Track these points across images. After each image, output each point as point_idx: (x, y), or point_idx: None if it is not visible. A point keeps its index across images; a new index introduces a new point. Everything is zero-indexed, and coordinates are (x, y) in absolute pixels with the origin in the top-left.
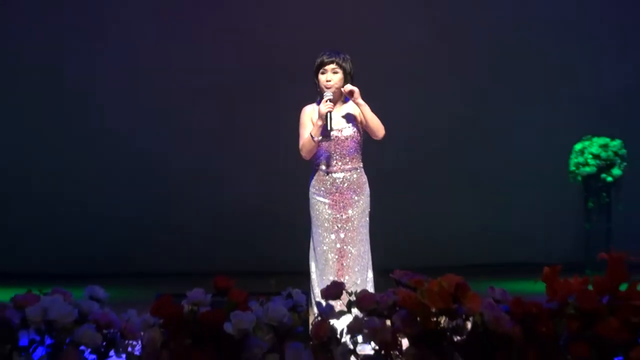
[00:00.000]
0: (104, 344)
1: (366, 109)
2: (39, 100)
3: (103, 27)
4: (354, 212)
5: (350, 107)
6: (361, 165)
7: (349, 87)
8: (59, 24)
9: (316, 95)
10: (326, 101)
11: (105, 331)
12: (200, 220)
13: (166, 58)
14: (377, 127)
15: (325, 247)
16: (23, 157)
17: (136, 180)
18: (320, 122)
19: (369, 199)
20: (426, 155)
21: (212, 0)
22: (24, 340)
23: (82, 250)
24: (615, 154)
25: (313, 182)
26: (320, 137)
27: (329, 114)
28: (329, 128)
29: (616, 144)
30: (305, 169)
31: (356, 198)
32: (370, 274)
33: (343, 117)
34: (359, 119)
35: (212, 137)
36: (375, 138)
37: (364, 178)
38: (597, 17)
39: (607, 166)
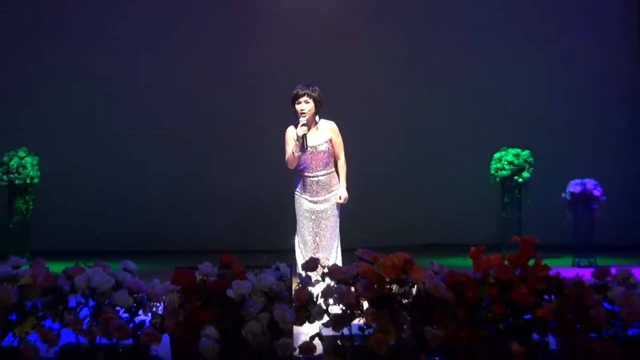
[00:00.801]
0: (135, 305)
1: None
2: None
3: (141, 32)
4: (327, 206)
5: (324, 128)
6: (333, 170)
7: (343, 197)
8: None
9: (296, 119)
10: (301, 126)
11: (135, 295)
12: (209, 209)
13: (187, 72)
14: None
15: (305, 232)
16: (65, 155)
17: (162, 176)
18: (298, 142)
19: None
20: (382, 157)
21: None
22: (72, 303)
23: (117, 232)
24: (525, 161)
25: (295, 182)
26: (299, 153)
27: (304, 135)
28: (305, 147)
29: (526, 153)
30: (290, 172)
31: (328, 195)
32: (339, 252)
33: (318, 136)
34: (329, 137)
35: (221, 138)
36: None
37: (335, 179)
38: (509, 46)
39: (518, 170)
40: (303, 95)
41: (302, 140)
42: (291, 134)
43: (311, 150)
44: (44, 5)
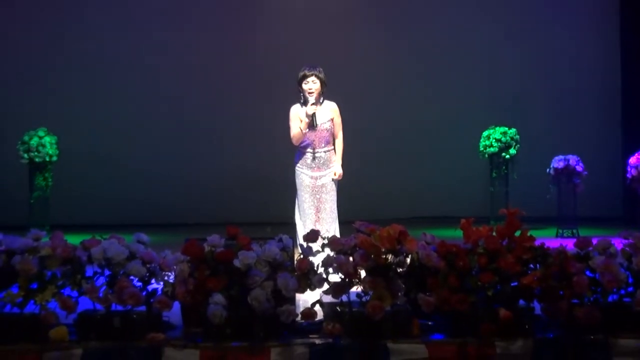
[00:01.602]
0: (147, 274)
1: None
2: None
3: (155, 17)
4: (326, 180)
5: (326, 109)
6: (332, 148)
7: (338, 173)
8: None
9: (299, 97)
10: (312, 104)
11: (148, 265)
12: (217, 185)
13: (197, 54)
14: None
15: (306, 205)
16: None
17: (173, 154)
18: (307, 120)
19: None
20: (378, 136)
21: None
22: (89, 272)
23: (131, 206)
24: (512, 139)
25: (296, 158)
26: (307, 130)
27: (314, 114)
28: (315, 124)
29: (512, 131)
30: (291, 145)
31: (328, 170)
32: (337, 224)
33: (322, 115)
34: (331, 117)
35: (225, 118)
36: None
37: (334, 157)
38: (502, 39)
39: (505, 147)
40: (311, 75)
41: (311, 118)
42: (296, 112)
43: (315, 129)
44: None
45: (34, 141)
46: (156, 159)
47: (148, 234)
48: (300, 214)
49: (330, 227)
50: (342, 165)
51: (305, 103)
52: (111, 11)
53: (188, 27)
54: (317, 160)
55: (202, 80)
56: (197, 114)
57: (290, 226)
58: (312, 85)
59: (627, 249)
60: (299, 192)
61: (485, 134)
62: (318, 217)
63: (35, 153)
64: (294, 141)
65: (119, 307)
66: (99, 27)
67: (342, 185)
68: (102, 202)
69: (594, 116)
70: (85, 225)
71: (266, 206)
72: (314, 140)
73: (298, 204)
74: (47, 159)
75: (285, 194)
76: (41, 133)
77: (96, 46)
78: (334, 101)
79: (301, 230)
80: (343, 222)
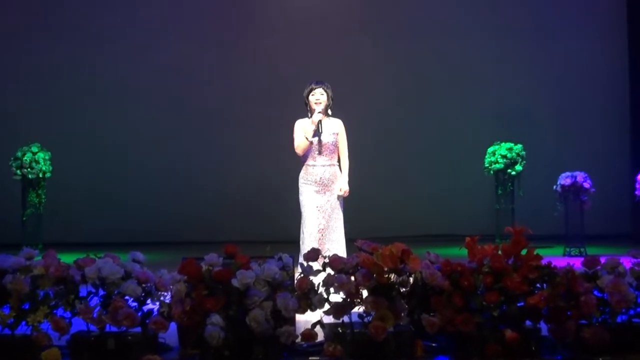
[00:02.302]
0: (143, 294)
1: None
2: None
3: (149, 28)
4: (331, 197)
5: (333, 123)
6: (337, 164)
7: (344, 190)
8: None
9: (306, 112)
10: (318, 112)
11: (143, 285)
12: (215, 202)
13: (197, 75)
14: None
15: (310, 222)
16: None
17: (169, 171)
18: (314, 128)
19: None
20: (381, 152)
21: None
22: (83, 292)
23: (126, 224)
24: (518, 155)
25: (302, 174)
26: (312, 139)
27: (320, 122)
28: (320, 131)
29: (518, 147)
30: (293, 161)
31: (333, 186)
32: (344, 242)
33: (328, 128)
34: (337, 132)
35: (224, 134)
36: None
37: (339, 173)
38: (508, 52)
39: (511, 164)
40: (318, 88)
41: (318, 126)
42: (301, 124)
43: (320, 140)
44: (53, 6)
45: (27, 157)
46: (152, 176)
47: (144, 252)
48: (304, 232)
49: (335, 246)
50: (349, 183)
51: (311, 116)
52: (107, 24)
53: (186, 42)
54: (321, 175)
55: (200, 95)
56: (195, 129)
57: (290, 245)
58: (319, 96)
59: (636, 267)
60: (303, 208)
61: (490, 150)
62: (323, 235)
63: (29, 169)
64: (299, 151)
65: (114, 328)
66: (94, 40)
67: (345, 203)
68: (96, 220)
69: (602, 132)
70: (79, 243)
71: (266, 224)
72: (319, 155)
73: (303, 221)
74: (41, 175)
75: (287, 211)
76: (34, 149)
77: (91, 60)
78: (338, 117)
79: (304, 249)
80: (345, 241)
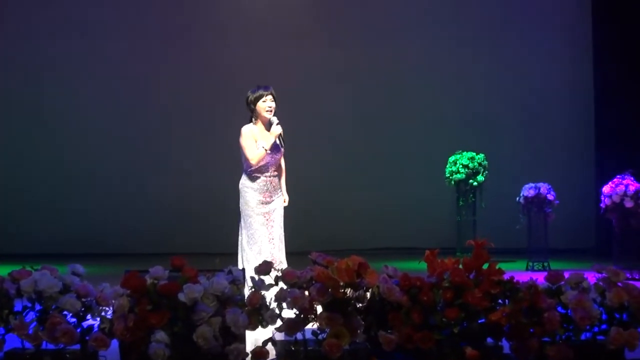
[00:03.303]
0: (83, 309)
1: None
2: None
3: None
4: (277, 205)
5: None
6: (279, 173)
7: (287, 200)
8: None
9: (250, 118)
10: (277, 124)
11: (83, 299)
12: (160, 211)
13: (164, 83)
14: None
15: (259, 232)
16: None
17: (111, 180)
18: (272, 140)
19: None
20: (335, 159)
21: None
22: (18, 307)
23: (65, 235)
24: (480, 164)
25: (247, 182)
26: (270, 151)
27: (281, 135)
28: (282, 144)
29: (480, 157)
30: (235, 172)
31: (276, 196)
32: (284, 253)
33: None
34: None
35: (170, 140)
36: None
37: (281, 181)
38: (470, 60)
39: (473, 174)
40: (269, 94)
41: (279, 139)
42: (251, 130)
43: (273, 150)
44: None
45: None
46: (94, 183)
47: (84, 264)
48: (248, 241)
49: (282, 256)
50: (293, 190)
51: (258, 121)
52: (67, 28)
53: (142, 43)
54: (270, 185)
55: (145, 102)
56: (141, 135)
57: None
58: (270, 103)
59: (601, 283)
60: (247, 218)
61: (451, 159)
62: (273, 245)
63: None
64: (254, 162)
65: (51, 346)
66: (52, 39)
67: (296, 213)
68: (33, 229)
69: (567, 142)
70: (15, 254)
71: (214, 235)
72: (269, 164)
73: (246, 230)
74: None
75: (236, 221)
76: None
77: (35, 53)
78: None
79: (252, 259)
80: (297, 253)
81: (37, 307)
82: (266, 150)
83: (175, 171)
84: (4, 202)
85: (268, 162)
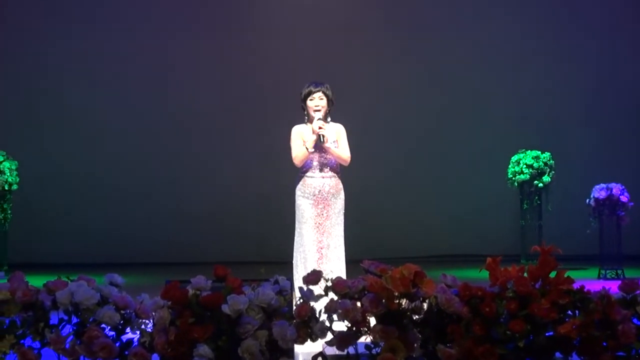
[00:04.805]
0: (121, 322)
1: (330, 150)
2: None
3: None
4: (332, 211)
5: (332, 128)
6: (338, 175)
7: (322, 131)
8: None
9: (303, 117)
10: (318, 120)
11: (122, 312)
12: (202, 218)
13: (176, 86)
14: (340, 160)
15: (307, 240)
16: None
17: (149, 187)
18: (314, 138)
19: (343, 201)
20: (392, 162)
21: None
22: (54, 319)
23: (103, 243)
24: (545, 164)
25: (299, 186)
26: (312, 150)
27: (322, 132)
28: (322, 141)
29: (546, 155)
30: (291, 175)
31: (334, 200)
32: (343, 263)
33: (329, 137)
34: (336, 139)
35: (214, 146)
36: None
37: (341, 185)
38: (531, 52)
39: (538, 174)
40: (318, 91)
41: (319, 135)
42: (299, 131)
43: (319, 150)
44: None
45: None
46: (130, 188)
47: (122, 274)
48: (300, 251)
49: (336, 267)
50: (347, 195)
51: (310, 122)
52: (75, 29)
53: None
54: (321, 189)
55: (183, 100)
56: (173, 136)
57: (287, 266)
58: (318, 102)
59: None
60: (298, 225)
61: (514, 158)
62: (322, 255)
63: None
64: (297, 162)
65: None
66: (64, 44)
67: (347, 219)
68: (69, 238)
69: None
70: (50, 264)
71: (261, 243)
72: (317, 164)
73: (297, 239)
74: (6, 187)
75: (283, 228)
76: None
77: (60, 64)
78: (340, 123)
79: (301, 270)
80: (349, 261)
81: (74, 319)
82: (307, 149)
83: (218, 174)
84: (40, 210)
85: (314, 165)
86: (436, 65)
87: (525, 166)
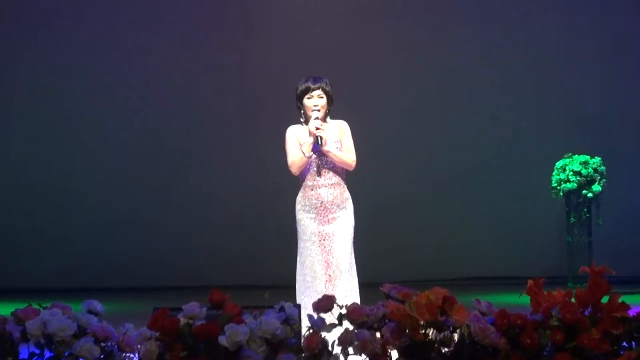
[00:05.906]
0: (102, 357)
1: (331, 154)
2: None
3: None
4: (338, 226)
5: (334, 129)
6: (343, 181)
7: (320, 132)
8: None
9: (299, 117)
10: (315, 119)
11: (103, 344)
12: (197, 237)
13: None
14: (344, 165)
15: (312, 260)
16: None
17: (135, 198)
18: (311, 141)
19: (352, 214)
20: (416, 173)
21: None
22: (24, 354)
23: (80, 266)
24: (595, 171)
25: (299, 198)
26: (311, 154)
27: (320, 134)
28: (320, 144)
29: (596, 161)
30: (291, 185)
31: (340, 212)
32: (355, 284)
33: (329, 138)
34: (339, 139)
35: (208, 158)
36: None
37: (347, 194)
38: (578, 40)
39: (587, 183)
40: (317, 89)
41: (317, 140)
42: (294, 133)
43: (320, 153)
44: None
45: None
46: (113, 203)
47: (103, 301)
48: (305, 273)
49: (347, 289)
50: (358, 207)
51: (307, 123)
52: (89, 28)
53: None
54: (323, 198)
55: (173, 102)
56: (163, 140)
57: (294, 291)
58: (317, 100)
59: None
60: (301, 242)
61: (559, 165)
62: (329, 276)
63: None
64: (294, 170)
65: None
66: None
67: (364, 237)
68: (42, 260)
69: None
70: (19, 289)
71: (263, 265)
72: (317, 171)
73: (301, 259)
74: None
75: (288, 248)
76: None
77: (27, 62)
78: (345, 120)
79: (308, 294)
80: (365, 285)
81: (48, 354)
82: (305, 154)
83: (212, 184)
84: (11, 231)
85: (315, 172)
86: (466, 58)
87: (572, 173)
